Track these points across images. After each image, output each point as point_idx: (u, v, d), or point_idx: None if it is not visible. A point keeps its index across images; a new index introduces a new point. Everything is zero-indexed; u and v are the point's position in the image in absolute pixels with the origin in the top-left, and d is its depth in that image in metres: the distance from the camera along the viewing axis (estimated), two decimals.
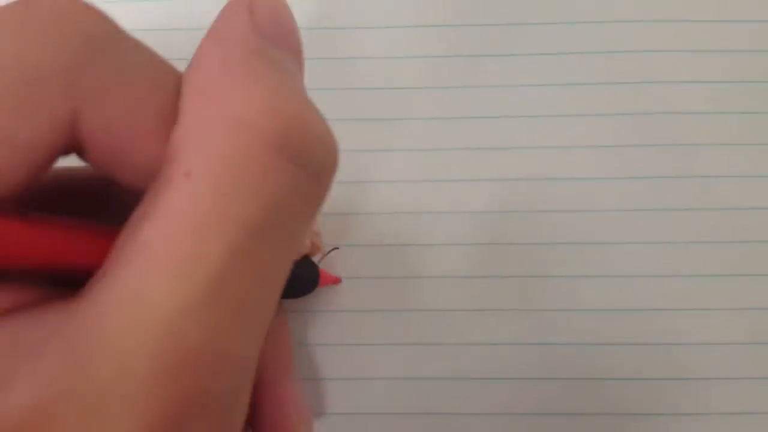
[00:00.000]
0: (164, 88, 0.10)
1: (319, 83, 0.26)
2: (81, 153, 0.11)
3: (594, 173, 0.26)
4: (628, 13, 0.27)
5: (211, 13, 0.11)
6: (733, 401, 0.24)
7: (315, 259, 0.23)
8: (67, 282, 0.10)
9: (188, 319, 0.09)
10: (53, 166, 0.10)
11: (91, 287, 0.10)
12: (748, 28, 0.26)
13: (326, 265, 0.24)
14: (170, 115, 0.10)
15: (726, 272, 0.25)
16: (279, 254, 0.10)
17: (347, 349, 0.25)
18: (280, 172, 0.10)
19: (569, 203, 0.26)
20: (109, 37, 0.10)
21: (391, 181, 0.25)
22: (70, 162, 0.11)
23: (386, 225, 0.25)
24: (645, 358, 0.25)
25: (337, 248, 0.24)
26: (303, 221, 0.11)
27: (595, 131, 0.26)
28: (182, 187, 0.09)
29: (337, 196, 0.25)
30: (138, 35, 0.11)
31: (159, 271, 0.09)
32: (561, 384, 0.24)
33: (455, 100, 0.26)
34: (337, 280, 0.25)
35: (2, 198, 0.09)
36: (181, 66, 0.11)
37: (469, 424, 0.24)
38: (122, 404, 0.09)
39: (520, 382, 0.24)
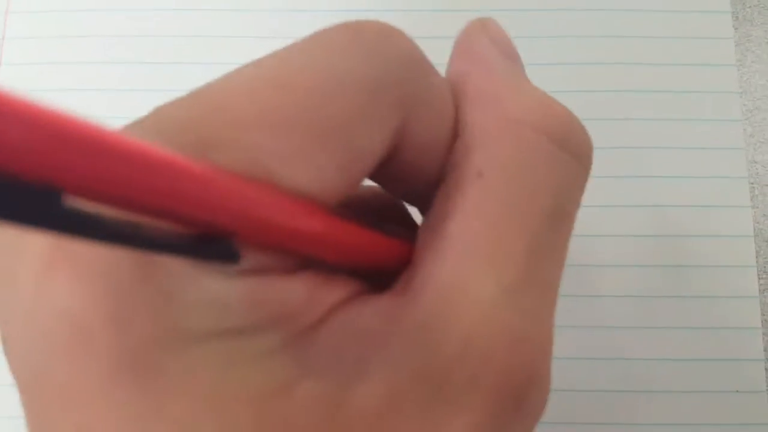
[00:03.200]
0: (450, 102, 0.12)
1: None
2: (385, 165, 0.11)
3: None
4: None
5: None
6: None
7: None
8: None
9: (506, 302, 0.10)
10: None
11: (409, 281, 0.10)
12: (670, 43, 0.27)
13: None
14: (454, 126, 0.12)
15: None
16: (565, 237, 0.11)
17: None
18: (563, 163, 0.11)
19: None
20: (419, 56, 0.11)
21: None
22: None
23: None
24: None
25: None
26: (577, 205, 0.12)
27: None
28: (477, 185, 0.11)
29: None
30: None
31: (472, 261, 0.10)
32: None
33: None
34: None
35: (330, 203, 0.10)
36: None
37: None
38: (467, 383, 0.10)
39: None
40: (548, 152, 0.11)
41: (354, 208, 0.14)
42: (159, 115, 0.09)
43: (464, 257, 0.10)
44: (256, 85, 0.10)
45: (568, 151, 0.11)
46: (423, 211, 0.12)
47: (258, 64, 0.10)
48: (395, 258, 0.11)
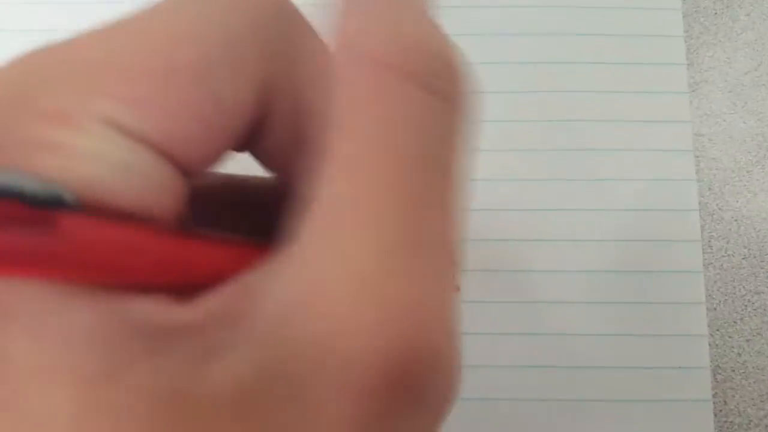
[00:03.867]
0: (324, 59, 0.11)
1: None
2: (259, 140, 0.11)
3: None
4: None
5: None
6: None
7: None
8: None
9: (385, 269, 0.09)
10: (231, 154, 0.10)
11: (279, 256, 0.10)
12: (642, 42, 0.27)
13: None
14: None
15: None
16: (447, 187, 0.10)
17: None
18: (428, 106, 0.10)
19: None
20: (293, 12, 0.10)
21: None
22: None
23: None
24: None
25: None
26: (457, 151, 0.11)
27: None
28: (337, 139, 0.10)
29: None
30: None
31: (340, 227, 0.09)
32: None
33: None
34: None
35: (195, 165, 0.09)
36: None
37: None
38: (342, 367, 0.09)
39: None
40: (408, 95, 0.10)
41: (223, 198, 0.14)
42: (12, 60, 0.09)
43: (331, 224, 0.09)
44: (103, 30, 0.09)
45: (433, 92, 0.10)
46: None
47: (125, 14, 0.10)
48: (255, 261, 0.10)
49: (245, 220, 0.14)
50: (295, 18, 0.10)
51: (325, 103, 0.10)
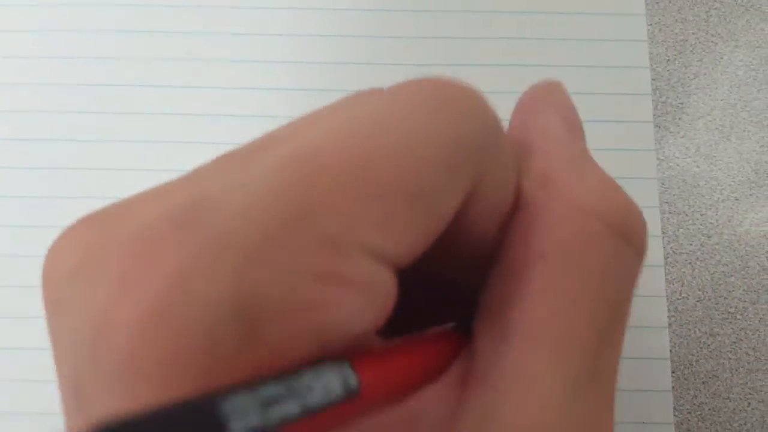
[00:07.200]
0: (514, 169, 0.11)
1: None
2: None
3: None
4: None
5: None
6: None
7: None
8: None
9: (574, 397, 0.10)
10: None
11: (471, 368, 0.11)
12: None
13: None
14: (514, 196, 0.11)
15: None
16: (623, 329, 0.11)
17: None
18: (624, 255, 0.11)
19: None
20: (495, 118, 0.11)
21: None
22: None
23: None
24: None
25: None
26: (632, 296, 0.12)
27: None
28: (539, 268, 0.10)
29: None
30: None
31: (538, 352, 0.10)
32: None
33: None
34: None
35: (402, 264, 0.10)
36: None
37: None
38: None
39: None
40: (613, 244, 0.11)
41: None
42: (256, 178, 0.09)
43: (529, 347, 0.10)
44: (349, 145, 0.09)
45: (628, 243, 0.11)
46: (468, 287, 0.12)
47: (348, 117, 0.10)
48: (449, 359, 0.11)
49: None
50: (496, 126, 0.11)
51: (509, 207, 0.11)
